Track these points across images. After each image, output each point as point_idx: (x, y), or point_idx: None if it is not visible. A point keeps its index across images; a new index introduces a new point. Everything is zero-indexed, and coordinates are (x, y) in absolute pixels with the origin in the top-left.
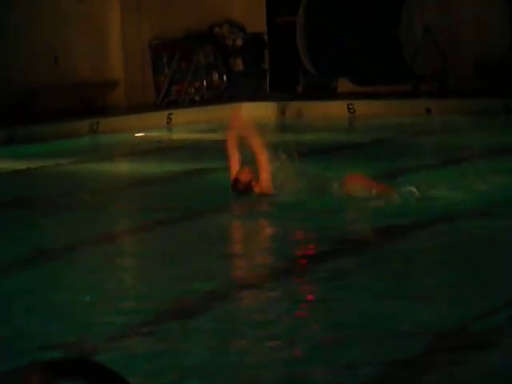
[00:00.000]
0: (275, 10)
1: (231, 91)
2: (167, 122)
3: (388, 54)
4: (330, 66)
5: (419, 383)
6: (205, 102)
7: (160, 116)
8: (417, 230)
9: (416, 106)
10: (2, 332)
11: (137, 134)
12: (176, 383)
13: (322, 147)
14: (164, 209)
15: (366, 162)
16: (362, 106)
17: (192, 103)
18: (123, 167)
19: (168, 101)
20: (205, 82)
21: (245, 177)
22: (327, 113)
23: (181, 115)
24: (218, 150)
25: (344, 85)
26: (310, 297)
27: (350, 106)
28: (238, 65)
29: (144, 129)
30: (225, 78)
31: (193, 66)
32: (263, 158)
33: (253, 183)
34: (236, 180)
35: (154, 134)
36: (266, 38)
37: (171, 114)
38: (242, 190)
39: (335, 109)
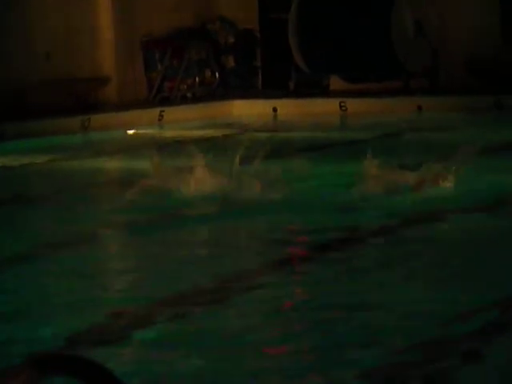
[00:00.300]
0: (267, 7)
1: (223, 88)
2: (159, 119)
3: (379, 51)
4: (322, 63)
5: (418, 381)
6: (197, 98)
7: (152, 113)
8: (408, 228)
9: (407, 104)
10: None
11: (128, 131)
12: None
13: (314, 145)
14: (155, 206)
15: (358, 160)
16: (354, 104)
17: (184, 100)
18: (114, 164)
19: (160, 97)
20: (197, 79)
21: None
22: (319, 110)
23: (173, 112)
24: (210, 146)
25: (336, 82)
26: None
27: (342, 104)
28: (230, 62)
29: (136, 125)
30: (217, 74)
31: (185, 62)
32: None
33: None
34: None
35: (146, 131)
36: (258, 35)
37: (163, 110)
38: None
39: (327, 106)
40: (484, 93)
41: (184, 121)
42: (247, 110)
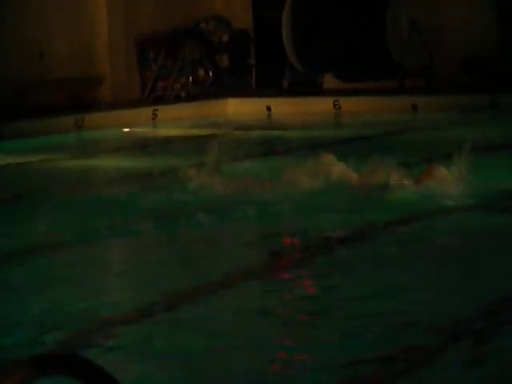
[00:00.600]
0: (262, 6)
1: (217, 87)
2: (153, 118)
3: (374, 50)
4: (316, 61)
5: (417, 381)
6: (191, 97)
7: (145, 112)
8: (408, 226)
9: (402, 103)
10: None
11: (122, 130)
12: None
13: (308, 143)
14: (149, 205)
15: (352, 158)
16: (348, 103)
17: (178, 99)
18: (108, 163)
19: (154, 96)
20: (191, 78)
21: None
22: (313, 109)
23: (166, 111)
24: (203, 145)
25: (330, 81)
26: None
27: (336, 103)
28: (224, 61)
29: (129, 125)
30: (211, 73)
31: (179, 61)
32: None
33: None
34: None
35: (140, 130)
36: (252, 33)
37: (157, 110)
38: None
39: (321, 105)
40: (480, 92)
41: (178, 120)
42: (241, 109)
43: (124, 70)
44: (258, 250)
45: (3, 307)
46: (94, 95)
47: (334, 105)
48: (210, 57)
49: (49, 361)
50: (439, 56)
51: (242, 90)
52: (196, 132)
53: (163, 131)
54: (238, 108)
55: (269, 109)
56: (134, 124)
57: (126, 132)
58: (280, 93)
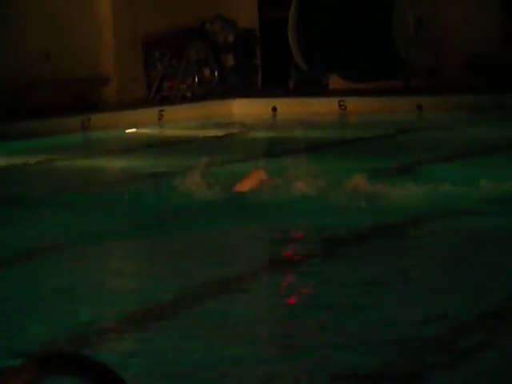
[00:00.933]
0: (267, 6)
1: (223, 87)
2: (158, 119)
3: (380, 50)
4: (322, 61)
5: (418, 381)
6: (196, 98)
7: (151, 112)
8: (408, 227)
9: (407, 103)
10: None
11: (128, 131)
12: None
13: (313, 144)
14: (155, 205)
15: (357, 159)
16: (354, 103)
17: (184, 99)
18: (114, 163)
19: (160, 97)
20: (196, 78)
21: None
22: (318, 109)
23: (172, 111)
24: (209, 146)
25: (336, 81)
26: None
27: (341, 103)
28: (230, 61)
29: (135, 125)
30: (216, 73)
31: (184, 62)
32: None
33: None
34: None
35: (146, 131)
36: (257, 33)
37: (162, 110)
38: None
39: (326, 105)
40: (484, 92)
41: (184, 120)
42: (247, 109)
43: (129, 70)
44: (258, 250)
45: (3, 307)
46: (99, 95)
47: (340, 105)
48: (216, 57)
49: (55, 360)
50: (443, 56)
51: (247, 90)
52: (202, 132)
53: (169, 131)
54: (244, 108)
55: (274, 109)
56: (140, 124)
57: (132, 132)
58: (286, 93)
